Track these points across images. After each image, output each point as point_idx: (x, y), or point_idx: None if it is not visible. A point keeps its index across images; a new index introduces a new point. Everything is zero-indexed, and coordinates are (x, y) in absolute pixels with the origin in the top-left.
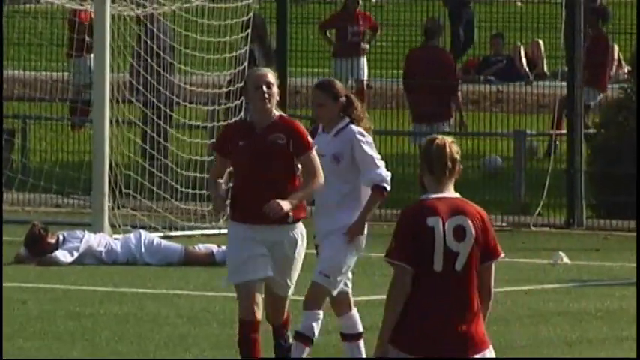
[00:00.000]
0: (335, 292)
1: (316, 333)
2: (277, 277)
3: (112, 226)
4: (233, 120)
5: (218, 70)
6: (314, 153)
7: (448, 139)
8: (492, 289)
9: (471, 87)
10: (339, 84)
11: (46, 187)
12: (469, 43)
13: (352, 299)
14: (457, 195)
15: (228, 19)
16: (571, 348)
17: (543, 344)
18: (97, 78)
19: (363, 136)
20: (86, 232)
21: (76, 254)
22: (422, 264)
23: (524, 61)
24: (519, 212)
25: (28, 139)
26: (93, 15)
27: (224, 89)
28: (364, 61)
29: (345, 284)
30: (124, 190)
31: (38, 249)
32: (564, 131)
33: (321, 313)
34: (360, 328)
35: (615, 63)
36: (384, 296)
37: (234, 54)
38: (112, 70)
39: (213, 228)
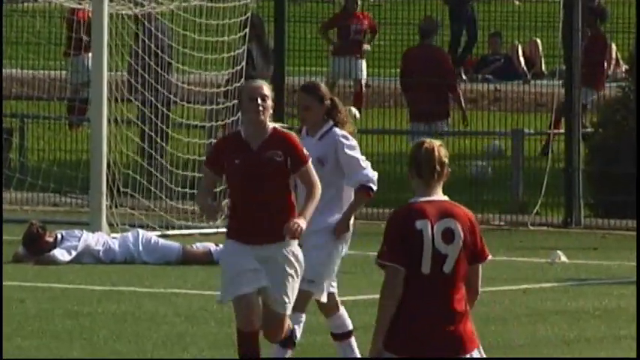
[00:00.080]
0: (324, 298)
1: (299, 336)
2: (272, 292)
3: (110, 225)
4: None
5: (216, 70)
6: (310, 164)
7: (436, 143)
8: (479, 290)
9: (469, 86)
10: (324, 87)
11: (44, 186)
12: (473, 41)
13: (339, 299)
14: (445, 198)
15: (226, 19)
16: (569, 347)
17: (541, 343)
18: (95, 77)
19: (347, 139)
20: (84, 231)
21: (74, 253)
22: (410, 266)
23: (522, 60)
24: (517, 211)
25: (25, 138)
26: (91, 14)
27: (222, 89)
28: (363, 62)
29: (331, 285)
30: (121, 189)
31: (36, 248)
32: (562, 130)
33: (303, 316)
34: (350, 326)
35: (613, 62)
36: None
37: (232, 53)
38: (109, 69)
39: (210, 227)
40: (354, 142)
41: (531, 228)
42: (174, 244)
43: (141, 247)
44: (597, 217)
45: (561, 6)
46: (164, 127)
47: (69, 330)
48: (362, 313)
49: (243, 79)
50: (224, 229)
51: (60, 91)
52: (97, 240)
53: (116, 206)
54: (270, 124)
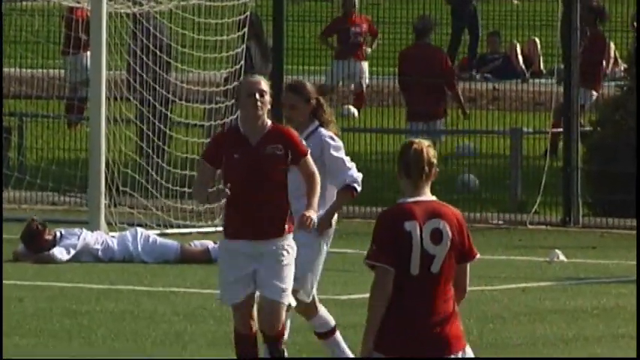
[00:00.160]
0: (309, 299)
1: (286, 335)
2: (267, 279)
3: (109, 224)
4: (224, 129)
5: (215, 69)
6: (309, 155)
7: (425, 143)
8: (467, 289)
9: (468, 85)
10: (310, 86)
11: (43, 185)
12: (476, 40)
13: (317, 298)
14: (433, 198)
15: (225, 18)
16: (567, 346)
17: (540, 342)
18: (94, 76)
19: (334, 140)
20: (83, 229)
21: (73, 252)
22: (399, 267)
23: (520, 58)
24: (516, 210)
25: (24, 137)
26: (89, 12)
27: (221, 88)
28: (365, 64)
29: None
30: (120, 188)
31: (35, 245)
32: (560, 129)
33: (289, 315)
34: (333, 323)
35: (612, 61)
36: None
37: (230, 52)
38: (108, 68)
39: (209, 226)
40: (339, 142)
41: (530, 227)
42: (173, 243)
43: (139, 246)
44: (596, 216)
45: (559, 5)
46: (163, 126)
47: (67, 329)
48: (358, 312)
49: (241, 78)
50: (222, 228)
51: (59, 90)
52: (95, 239)
53: (115, 205)
54: (269, 121)
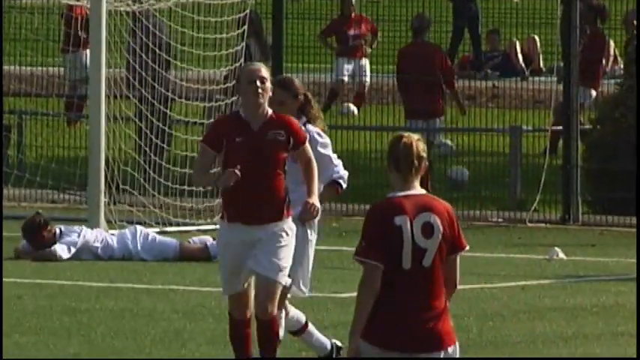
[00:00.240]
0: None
1: (281, 334)
2: (264, 257)
3: (108, 222)
4: (225, 114)
5: (214, 67)
6: (307, 142)
7: (414, 137)
8: (457, 282)
9: (467, 83)
10: (297, 82)
11: (42, 183)
12: (478, 38)
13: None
14: (423, 191)
15: (225, 16)
16: (567, 343)
17: (539, 340)
18: (93, 73)
19: (321, 136)
20: (83, 227)
21: (73, 250)
22: (390, 262)
23: (520, 56)
24: (515, 208)
25: (24, 135)
26: (88, 10)
27: (221, 86)
28: (366, 62)
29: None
30: (120, 186)
31: (35, 239)
32: (560, 127)
33: (283, 313)
34: (304, 319)
35: (611, 59)
36: None
37: (230, 50)
38: (107, 66)
39: (208, 224)
40: (327, 139)
41: (529, 225)
42: (172, 241)
43: (139, 244)
44: (595, 214)
45: (559, 3)
46: (162, 124)
47: (67, 326)
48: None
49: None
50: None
51: (58, 88)
52: (95, 236)
53: (114, 203)
54: (269, 109)
